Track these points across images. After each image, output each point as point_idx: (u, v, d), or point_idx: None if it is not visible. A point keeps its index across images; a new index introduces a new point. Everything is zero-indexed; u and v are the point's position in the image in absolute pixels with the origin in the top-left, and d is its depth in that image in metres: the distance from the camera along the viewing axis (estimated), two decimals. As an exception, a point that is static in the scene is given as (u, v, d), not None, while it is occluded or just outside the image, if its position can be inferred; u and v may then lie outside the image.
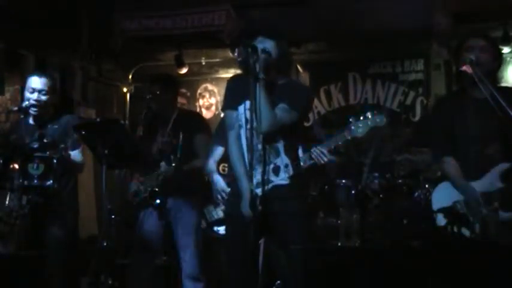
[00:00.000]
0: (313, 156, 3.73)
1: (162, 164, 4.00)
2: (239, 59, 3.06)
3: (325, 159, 3.64)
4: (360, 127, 3.42)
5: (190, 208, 4.19)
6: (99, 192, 3.93)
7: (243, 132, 3.16)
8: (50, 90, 4.11)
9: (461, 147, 3.36)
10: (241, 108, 3.17)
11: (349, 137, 3.50)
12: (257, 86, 2.89)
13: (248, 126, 3.07)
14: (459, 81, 3.46)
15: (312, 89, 6.44)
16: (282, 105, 3.05)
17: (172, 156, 3.98)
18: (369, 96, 6.35)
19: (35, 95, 4.07)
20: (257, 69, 2.89)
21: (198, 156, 4.22)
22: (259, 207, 2.89)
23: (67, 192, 4.11)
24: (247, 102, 3.06)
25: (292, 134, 3.11)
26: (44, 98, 4.08)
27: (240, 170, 3.11)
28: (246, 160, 3.09)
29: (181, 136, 4.07)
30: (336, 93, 6.47)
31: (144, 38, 5.98)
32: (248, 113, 3.07)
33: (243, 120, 3.16)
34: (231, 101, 3.22)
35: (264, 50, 2.97)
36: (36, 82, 4.09)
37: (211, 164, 4.30)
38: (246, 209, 2.98)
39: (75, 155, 4.08)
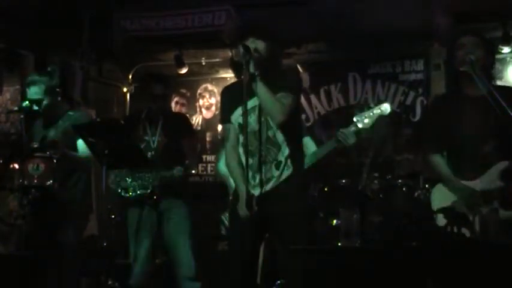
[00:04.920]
0: (340, 138, 3.77)
1: (179, 168, 3.99)
2: (235, 59, 3.11)
3: (353, 140, 3.70)
4: (365, 117, 3.50)
5: (181, 209, 4.18)
6: (99, 192, 3.91)
7: (240, 138, 3.20)
8: (48, 92, 4.11)
9: (459, 145, 3.36)
10: (233, 117, 3.22)
11: (360, 127, 3.65)
12: (257, 82, 2.99)
13: (243, 131, 3.11)
14: (457, 80, 3.46)
15: (312, 89, 6.46)
16: (280, 94, 3.09)
17: (186, 162, 4.02)
18: (369, 97, 6.33)
19: (33, 106, 4.08)
20: (251, 67, 2.98)
21: (187, 159, 4.22)
22: (256, 208, 2.97)
23: (79, 193, 4.13)
24: (240, 108, 3.13)
25: (290, 121, 3.12)
26: (42, 104, 4.09)
27: (238, 176, 3.18)
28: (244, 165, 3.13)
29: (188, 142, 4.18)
30: (335, 93, 6.45)
31: (144, 38, 5.98)
32: (241, 119, 3.12)
33: (237, 127, 3.21)
34: (224, 113, 3.31)
35: (256, 50, 3.06)
36: (30, 93, 4.09)
37: (222, 166, 4.30)
38: (242, 209, 3.05)
39: (83, 148, 4.03)
